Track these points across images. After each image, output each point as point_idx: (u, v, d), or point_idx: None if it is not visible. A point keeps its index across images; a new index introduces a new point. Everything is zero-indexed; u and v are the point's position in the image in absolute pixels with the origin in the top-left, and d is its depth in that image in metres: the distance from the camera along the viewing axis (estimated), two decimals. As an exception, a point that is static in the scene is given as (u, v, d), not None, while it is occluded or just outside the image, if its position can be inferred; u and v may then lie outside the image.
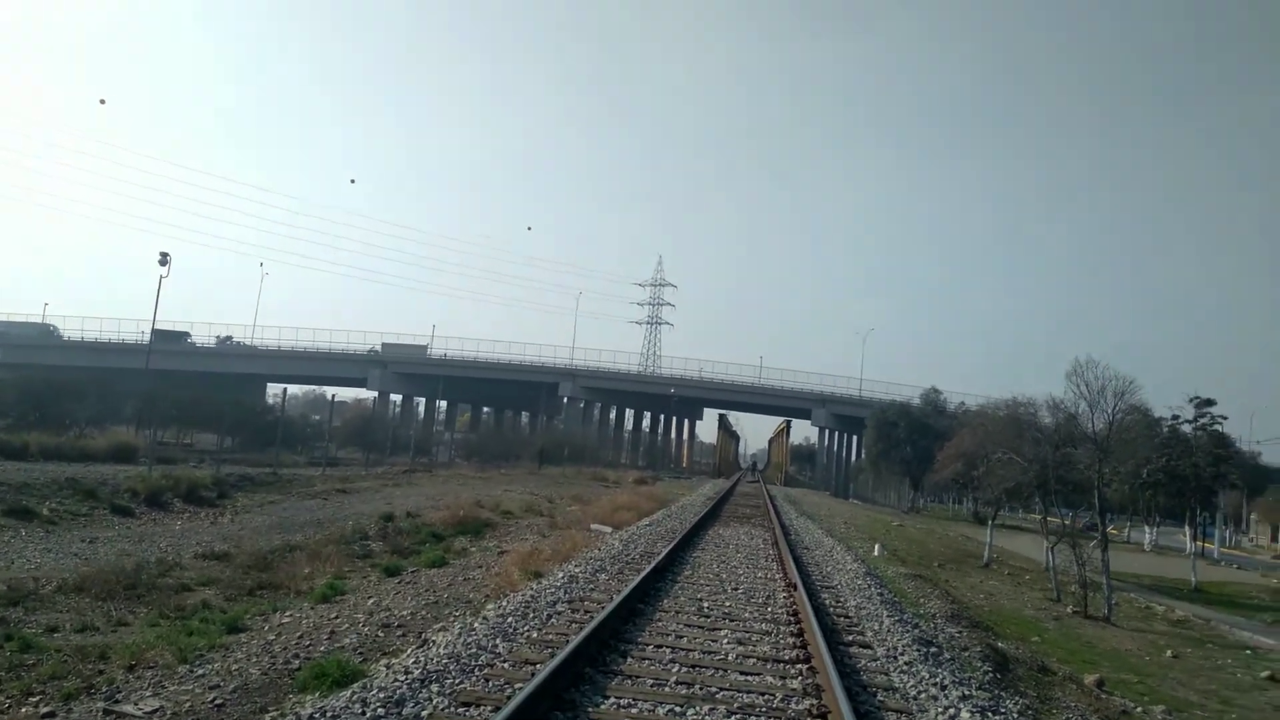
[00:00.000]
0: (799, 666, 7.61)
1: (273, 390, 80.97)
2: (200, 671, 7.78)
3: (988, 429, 34.00)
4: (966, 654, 11.65)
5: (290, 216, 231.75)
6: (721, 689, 6.75)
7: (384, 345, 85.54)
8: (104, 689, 7.12)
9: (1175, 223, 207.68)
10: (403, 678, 6.38)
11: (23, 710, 6.56)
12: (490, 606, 10.03)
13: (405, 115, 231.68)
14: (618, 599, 9.18)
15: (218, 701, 6.82)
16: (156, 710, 6.52)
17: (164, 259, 38.42)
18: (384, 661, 7.82)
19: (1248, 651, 19.47)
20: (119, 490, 20.19)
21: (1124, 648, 18.03)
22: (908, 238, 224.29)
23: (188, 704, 6.73)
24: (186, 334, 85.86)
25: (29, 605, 10.20)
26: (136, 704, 6.66)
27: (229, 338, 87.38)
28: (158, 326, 59.20)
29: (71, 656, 8.17)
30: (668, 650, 7.84)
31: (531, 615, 9.03)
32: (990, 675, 10.93)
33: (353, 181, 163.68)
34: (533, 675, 6.20)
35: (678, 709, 6.10)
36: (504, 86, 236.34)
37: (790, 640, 8.66)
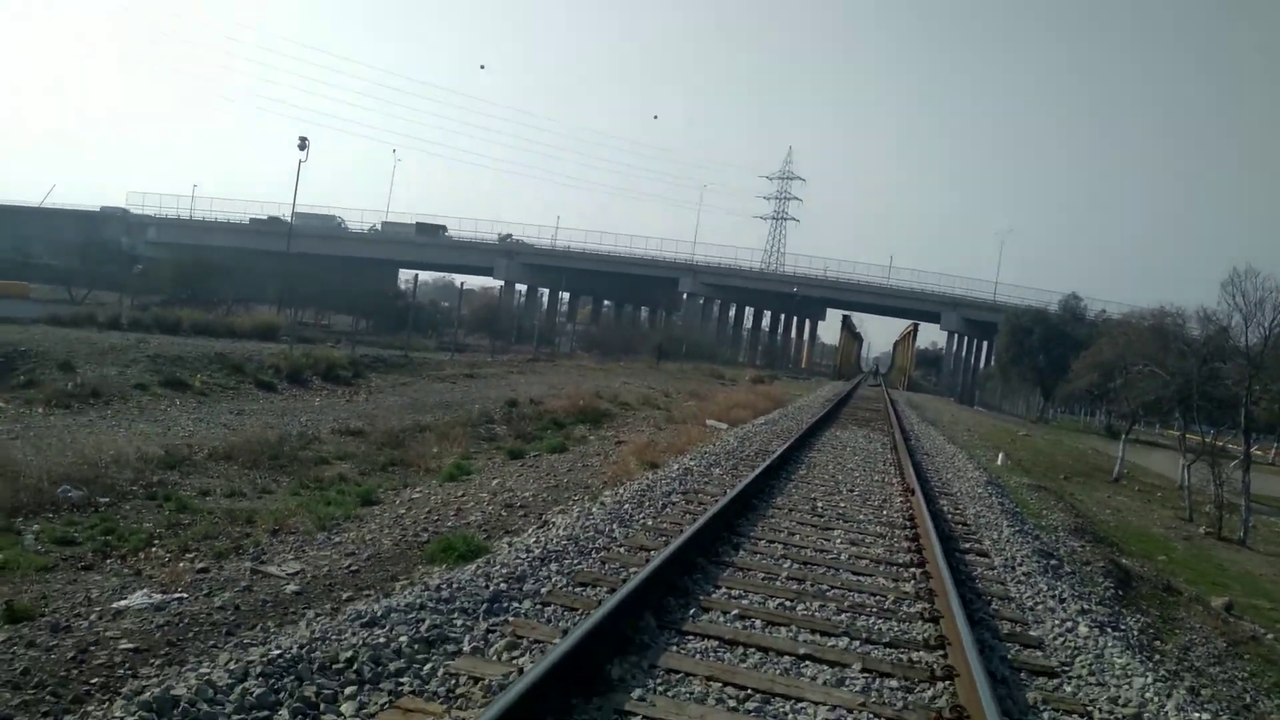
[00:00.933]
0: (913, 570, 7.57)
1: (404, 276, 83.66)
2: (337, 539, 8.30)
3: (1129, 339, 32.38)
4: (1088, 568, 11.38)
5: (421, 103, 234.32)
6: (833, 587, 6.79)
7: (506, 235, 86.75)
8: (251, 550, 7.68)
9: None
10: (524, 556, 6.65)
11: (180, 565, 7.15)
12: (608, 493, 10.30)
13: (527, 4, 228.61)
14: (731, 493, 9.27)
15: (353, 568, 7.28)
16: (298, 573, 7.01)
17: (303, 143, 39.46)
18: (506, 540, 8.16)
19: (1399, 585, 18.37)
20: (263, 366, 21.39)
21: (1259, 572, 17.26)
22: (1054, 137, 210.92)
23: (326, 569, 7.21)
24: (444, 227, 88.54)
25: (184, 470, 11.01)
26: (280, 566, 7.18)
27: (509, 235, 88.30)
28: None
29: (222, 519, 8.81)
30: (780, 546, 7.92)
31: (647, 504, 9.23)
32: (1112, 591, 10.67)
33: (483, 68, 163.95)
34: (647, 561, 6.36)
35: (788, 603, 6.18)
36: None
37: (905, 544, 8.61)
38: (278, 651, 4.29)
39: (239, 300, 42.39)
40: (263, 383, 20.34)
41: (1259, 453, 37.57)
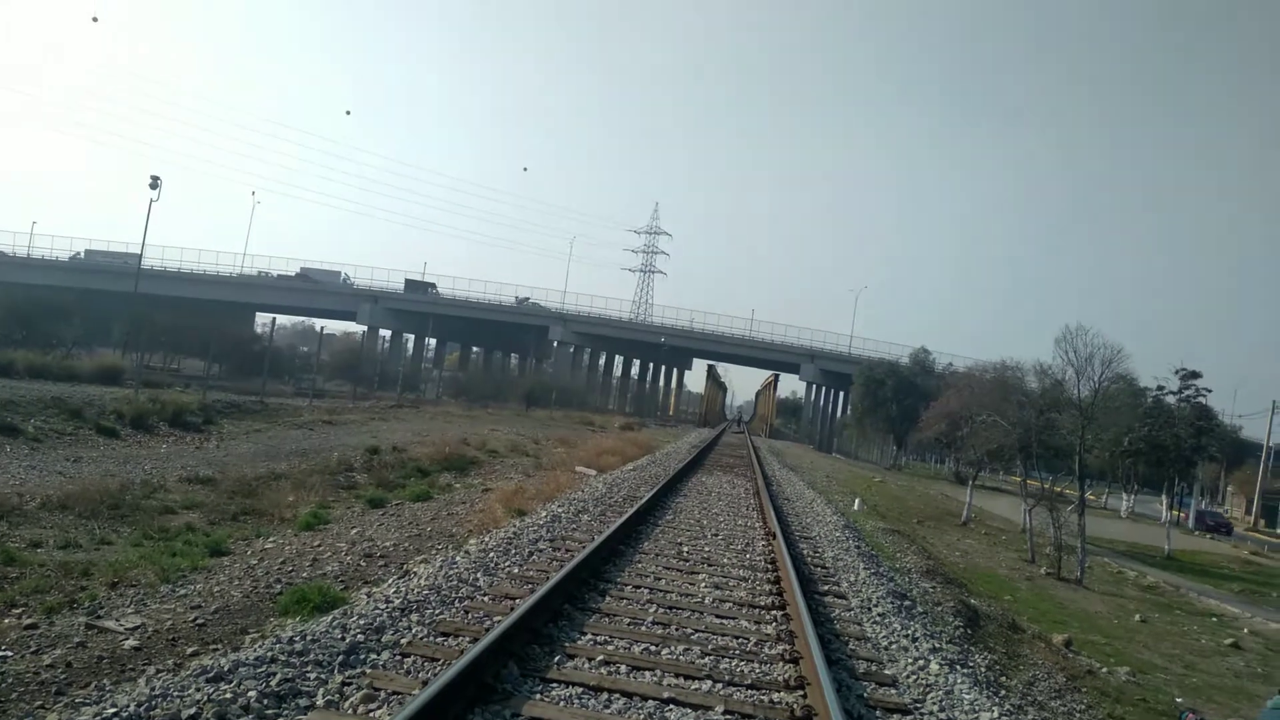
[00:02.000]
0: (774, 613, 7.72)
1: (261, 320, 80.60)
2: (182, 591, 7.85)
3: (974, 390, 34.22)
4: (939, 609, 11.86)
5: (285, 146, 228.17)
6: (697, 630, 6.85)
7: (374, 283, 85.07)
8: (86, 604, 7.18)
9: (1177, 210, 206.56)
10: (383, 606, 6.45)
11: (5, 621, 6.61)
12: (473, 541, 10.13)
13: (403, 51, 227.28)
14: (599, 539, 9.26)
15: (199, 621, 6.89)
16: (138, 627, 6.59)
17: (154, 182, 37.88)
18: (365, 590, 7.90)
19: (1214, 619, 19.88)
20: (105, 411, 20.15)
21: (1094, 610, 18.38)
22: (912, 200, 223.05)
23: (169, 622, 6.80)
24: (432, 285, 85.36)
25: (13, 520, 10.23)
26: (119, 620, 6.73)
27: (527, 298, 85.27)
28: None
29: (55, 572, 8.22)
30: (646, 591, 7.94)
31: (513, 551, 9.11)
32: (961, 630, 11.15)
33: (348, 113, 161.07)
34: (511, 609, 6.28)
35: (653, 648, 6.19)
36: (506, 27, 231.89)
37: (767, 587, 8.77)
38: (113, 710, 4.02)
39: (81, 343, 39.87)
40: (104, 428, 19.14)
41: (1091, 498, 40.21)
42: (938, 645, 8.01)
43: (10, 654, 5.79)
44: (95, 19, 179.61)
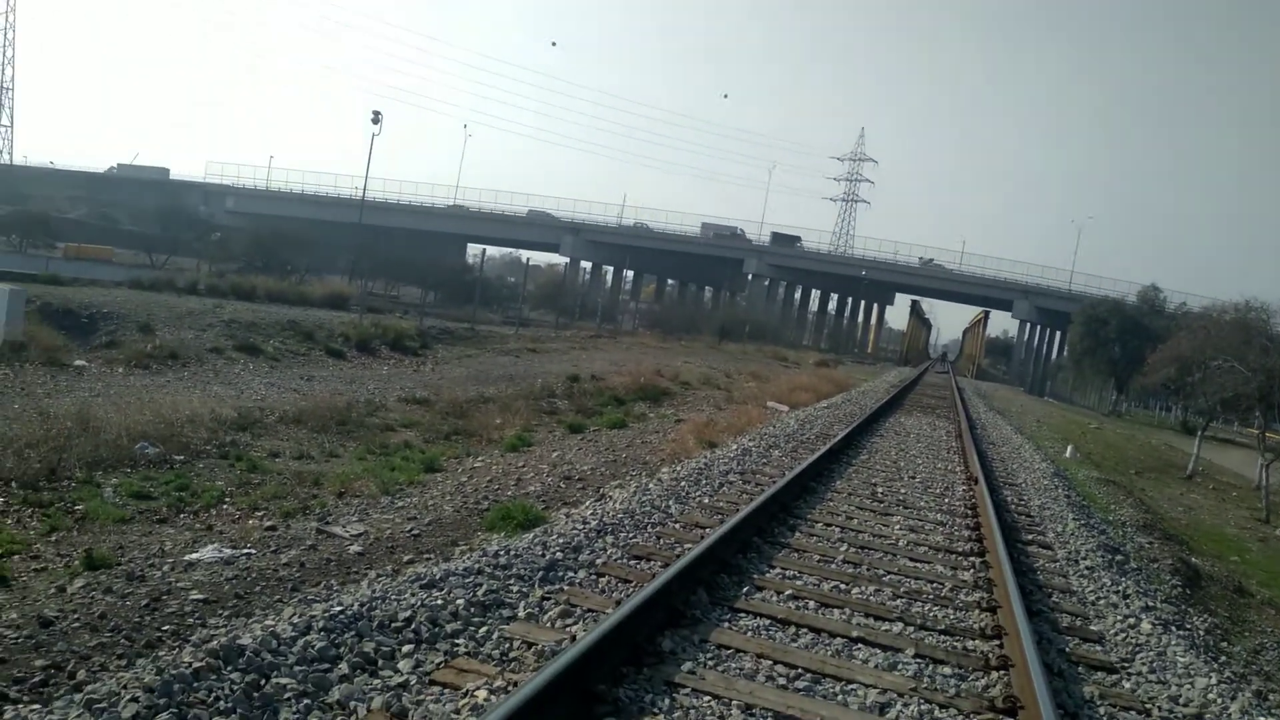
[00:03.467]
0: (972, 559, 7.46)
1: (472, 250, 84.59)
2: (400, 504, 8.49)
3: (1210, 333, 31.28)
4: (1155, 565, 11.10)
5: (494, 79, 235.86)
6: (889, 572, 6.73)
7: (576, 216, 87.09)
8: (317, 511, 7.90)
9: None
10: (580, 527, 6.72)
11: (250, 522, 7.39)
12: (665, 470, 10.34)
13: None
14: (790, 475, 9.22)
15: (415, 532, 7.45)
16: (361, 534, 7.20)
17: (376, 118, 40.14)
18: (564, 511, 8.26)
19: None
20: (333, 334, 21.87)
21: (1339, 579, 16.64)
22: (1136, 124, 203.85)
23: (388, 531, 7.39)
24: (797, 238, 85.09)
25: (255, 431, 11.33)
26: (344, 527, 7.37)
27: (930, 259, 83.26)
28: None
29: (290, 480, 9.07)
30: (837, 530, 7.87)
31: (704, 482, 9.24)
32: (1179, 590, 10.40)
33: (554, 44, 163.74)
34: (702, 538, 6.38)
35: (843, 586, 6.15)
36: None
37: (966, 533, 8.48)
38: (339, 608, 4.42)
39: (312, 270, 43.33)
40: (332, 350, 20.80)
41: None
42: (1151, 604, 7.51)
43: (254, 551, 6.48)
44: None
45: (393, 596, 4.72)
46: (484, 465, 10.95)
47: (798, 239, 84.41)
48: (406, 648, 4.16)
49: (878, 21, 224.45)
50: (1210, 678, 5.49)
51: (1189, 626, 8.05)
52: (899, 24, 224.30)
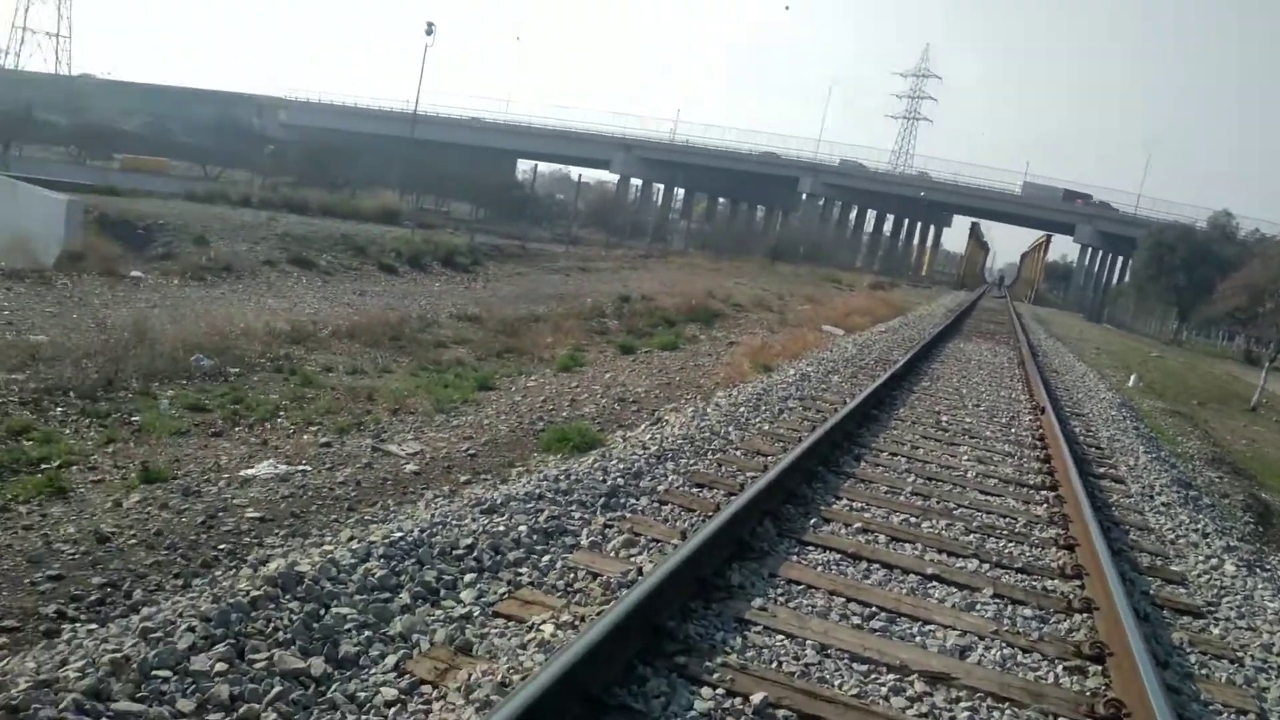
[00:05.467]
0: (1045, 493, 7.18)
1: (522, 166, 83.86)
2: (455, 422, 8.37)
3: (1286, 262, 30.05)
4: (1227, 501, 10.71)
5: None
6: (960, 506, 6.48)
7: (627, 132, 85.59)
8: (371, 428, 7.81)
9: None
10: (640, 452, 6.53)
11: (304, 438, 7.31)
12: (721, 394, 10.10)
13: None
14: (853, 402, 8.94)
15: (470, 451, 7.33)
16: (417, 453, 7.09)
17: (429, 29, 39.47)
18: (621, 434, 8.08)
19: None
20: (385, 249, 21.78)
21: None
22: (1208, 39, 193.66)
23: (444, 450, 7.27)
24: (1088, 195, 77.15)
25: (309, 345, 11.27)
26: (400, 445, 7.26)
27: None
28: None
29: (344, 395, 8.99)
30: (903, 460, 7.60)
31: (763, 407, 8.99)
32: (1253, 527, 10.02)
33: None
34: (765, 467, 6.17)
35: (913, 520, 5.91)
36: None
37: (1036, 465, 8.18)
38: (400, 534, 4.28)
39: (364, 184, 43.21)
40: (384, 265, 20.73)
41: None
42: (1231, 543, 7.19)
43: (309, 468, 6.39)
44: None
45: (453, 522, 4.58)
46: (537, 385, 10.81)
47: (1088, 196, 75.43)
48: (469, 577, 4.01)
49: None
50: (1303, 625, 5.20)
51: (1269, 566, 7.70)
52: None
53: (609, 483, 5.61)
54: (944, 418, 9.94)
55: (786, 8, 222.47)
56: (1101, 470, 8.70)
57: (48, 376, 7.76)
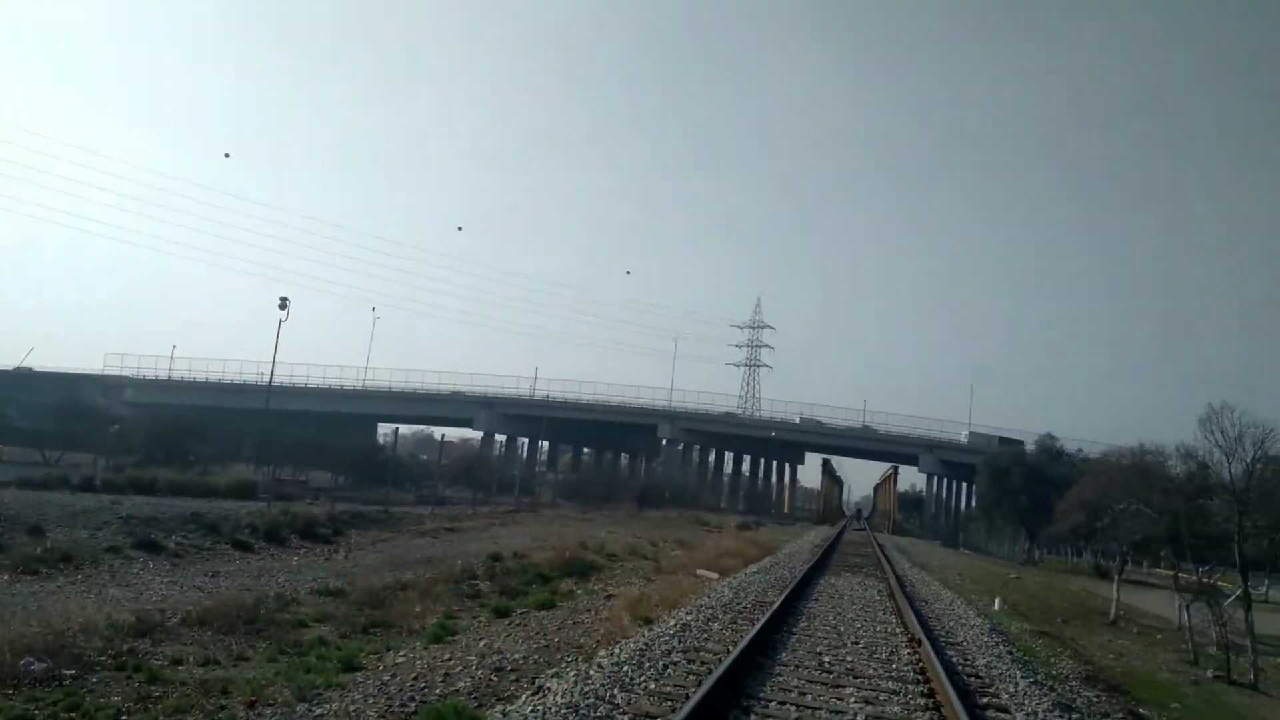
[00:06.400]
0: (935, 731, 7.16)
1: (383, 430, 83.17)
2: (318, 711, 7.78)
3: (1112, 478, 32.30)
4: (1109, 721, 10.89)
5: (398, 261, 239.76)
6: (854, 752, 6.37)
7: (489, 390, 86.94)
8: (227, 726, 7.16)
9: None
10: (523, 728, 6.20)
11: (151, 745, 6.63)
12: (603, 653, 9.82)
13: (497, 161, 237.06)
14: (735, 651, 8.87)
15: (337, 745, 6.78)
16: (279, 751, 6.51)
17: (283, 303, 39.94)
18: (500, 708, 7.67)
19: None
20: (239, 526, 20.81)
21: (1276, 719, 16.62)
22: (1016, 281, 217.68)
23: (308, 747, 6.70)
24: None
25: (156, 637, 10.45)
26: (260, 743, 6.66)
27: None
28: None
29: (194, 690, 8.28)
30: (792, 709, 7.49)
31: (647, 664, 8.78)
32: (1137, 746, 10.17)
33: (460, 229, 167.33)
34: (657, 730, 5.96)
35: (810, 773, 5.76)
36: (599, 128, 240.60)
37: (922, 700, 8.19)
38: None
39: (216, 459, 41.75)
40: (239, 542, 19.73)
41: (1253, 590, 36.96)
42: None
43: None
44: (227, 155, 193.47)
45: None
46: (407, 660, 10.24)
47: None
48: None
49: (763, 195, 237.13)
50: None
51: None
52: (786, 197, 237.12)
53: (493, 766, 5.28)
54: (825, 658, 9.92)
55: (628, 272, 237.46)
56: (985, 700, 8.78)
57: None
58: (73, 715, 7.19)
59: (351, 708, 7.94)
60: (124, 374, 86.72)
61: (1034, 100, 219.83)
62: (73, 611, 10.69)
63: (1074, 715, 9.13)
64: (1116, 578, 31.98)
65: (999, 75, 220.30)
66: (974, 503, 75.58)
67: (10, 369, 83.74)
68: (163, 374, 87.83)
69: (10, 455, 38.52)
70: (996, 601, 23.55)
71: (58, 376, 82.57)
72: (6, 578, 13.83)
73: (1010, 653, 12.63)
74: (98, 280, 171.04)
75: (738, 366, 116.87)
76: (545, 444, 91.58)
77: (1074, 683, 12.84)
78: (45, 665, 8.44)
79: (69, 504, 19.58)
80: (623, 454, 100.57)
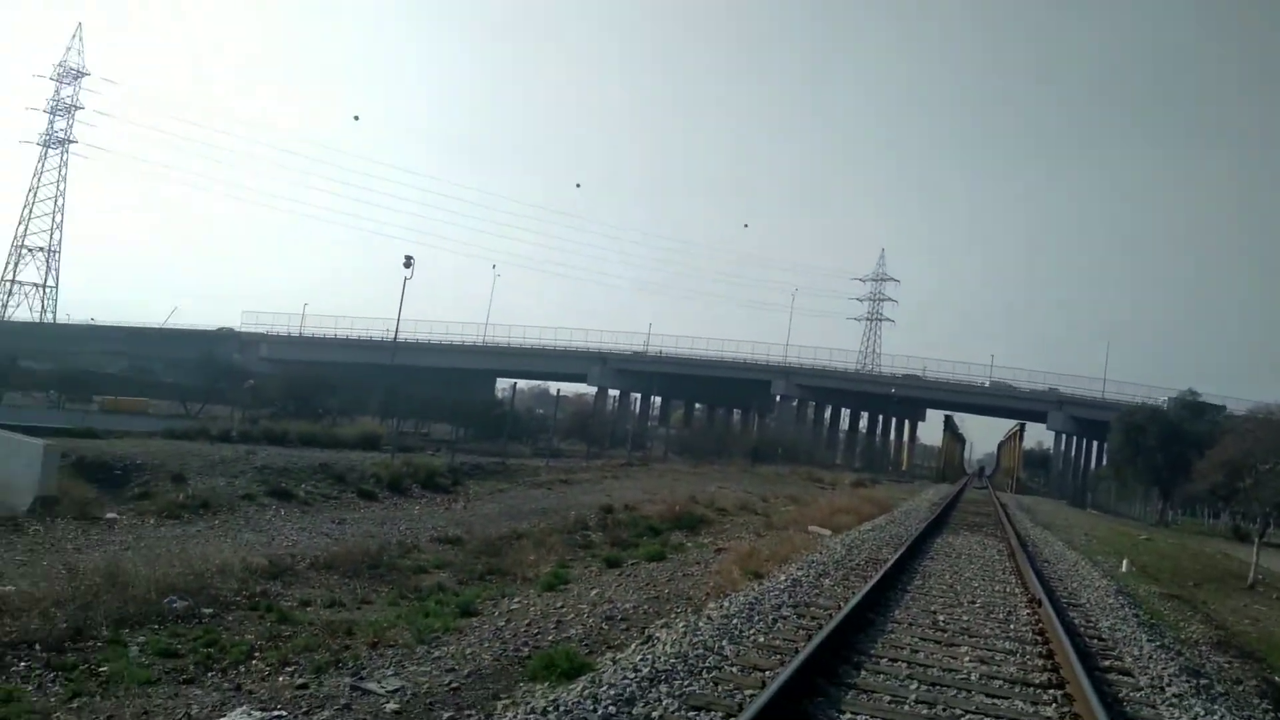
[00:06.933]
0: (1053, 693, 6.92)
1: (501, 384, 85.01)
2: (437, 653, 8.06)
3: (1258, 436, 30.40)
4: (1240, 688, 10.32)
5: (517, 219, 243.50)
6: (966, 712, 6.22)
7: (603, 345, 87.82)
8: (350, 664, 7.50)
9: None
10: (631, 675, 6.28)
11: (280, 679, 7.00)
12: (712, 605, 9.85)
13: (621, 121, 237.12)
14: (846, 607, 8.75)
15: (453, 685, 7.01)
16: (398, 690, 6.78)
17: (408, 262, 40.90)
18: (610, 655, 7.79)
19: None
20: (364, 476, 21.67)
21: None
22: (1158, 231, 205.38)
23: (426, 685, 6.96)
24: None
25: (286, 580, 11.00)
26: (380, 682, 6.96)
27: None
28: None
29: (321, 630, 8.68)
30: (904, 665, 7.35)
31: (756, 618, 8.76)
32: (1271, 715, 9.62)
33: (578, 185, 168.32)
34: (764, 684, 5.94)
35: (920, 731, 5.66)
36: (723, 89, 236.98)
37: (1039, 662, 7.92)
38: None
39: (344, 411, 43.50)
40: (364, 492, 20.56)
41: None
42: (1253, 736, 6.89)
43: (285, 714, 6.08)
44: (357, 118, 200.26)
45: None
46: (521, 606, 10.52)
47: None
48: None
49: (900, 137, 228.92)
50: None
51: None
52: (922, 139, 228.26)
53: (600, 712, 5.37)
54: (940, 617, 9.70)
55: (745, 225, 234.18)
56: (1107, 663, 8.44)
57: (12, 630, 7.47)
58: (211, 650, 7.63)
59: (468, 650, 8.20)
60: (259, 330, 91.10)
61: (1184, 71, 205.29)
62: (211, 554, 11.35)
63: (1202, 681, 8.68)
64: (1257, 540, 30.21)
65: (1157, 34, 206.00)
66: (1104, 461, 72.37)
67: (156, 327, 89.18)
68: (295, 331, 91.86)
69: (156, 409, 41.02)
70: (1124, 563, 22.58)
71: (197, 334, 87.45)
72: (152, 522, 14.78)
73: (1136, 615, 12.10)
74: (240, 238, 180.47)
75: (859, 320, 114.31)
76: (657, 399, 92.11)
77: (1204, 648, 12.22)
78: (187, 604, 9.00)
79: (208, 454, 20.75)
80: (735, 410, 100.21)
